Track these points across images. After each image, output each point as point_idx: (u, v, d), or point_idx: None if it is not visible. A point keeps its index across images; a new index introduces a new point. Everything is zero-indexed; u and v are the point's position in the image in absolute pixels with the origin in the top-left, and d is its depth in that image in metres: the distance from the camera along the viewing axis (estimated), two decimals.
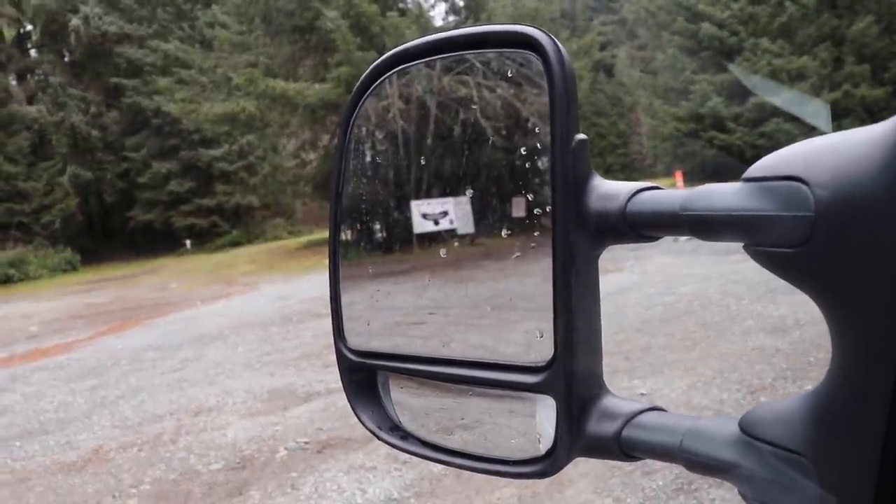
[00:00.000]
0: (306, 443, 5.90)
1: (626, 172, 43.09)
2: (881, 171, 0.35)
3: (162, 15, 37.87)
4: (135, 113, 37.36)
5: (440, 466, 5.07)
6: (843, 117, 23.76)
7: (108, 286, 25.11)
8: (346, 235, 0.73)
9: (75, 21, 36.43)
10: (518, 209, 0.60)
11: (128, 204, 38.81)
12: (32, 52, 40.08)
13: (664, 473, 4.46)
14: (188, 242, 36.43)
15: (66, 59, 39.39)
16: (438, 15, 28.73)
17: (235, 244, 35.43)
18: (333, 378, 7.62)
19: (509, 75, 0.59)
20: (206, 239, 36.96)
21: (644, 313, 8.69)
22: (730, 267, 11.18)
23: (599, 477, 4.59)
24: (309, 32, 25.29)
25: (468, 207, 0.64)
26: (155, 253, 35.37)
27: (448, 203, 0.68)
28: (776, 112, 26.55)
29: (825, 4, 27.57)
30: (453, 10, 28.38)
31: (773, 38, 28.36)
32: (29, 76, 39.09)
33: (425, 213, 0.72)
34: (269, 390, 7.62)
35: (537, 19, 24.84)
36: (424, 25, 23.26)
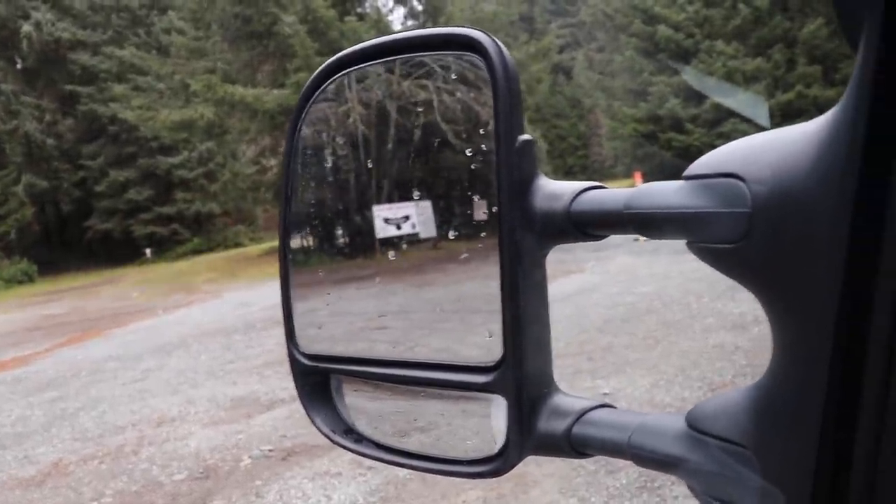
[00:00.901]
0: (270, 450, 5.86)
1: (587, 174, 43.47)
2: (814, 167, 0.36)
3: (116, 21, 37.39)
4: (91, 120, 36.81)
5: (405, 470, 5.08)
6: (796, 117, 24.19)
7: (66, 297, 24.70)
8: (302, 241, 0.73)
9: (27, 27, 35.76)
10: (479, 211, 0.59)
11: (85, 213, 38.20)
12: None
13: (628, 472, 4.51)
14: (148, 251, 35.98)
15: (19, 66, 38.62)
16: (397, 19, 28.67)
17: (197, 252, 35.05)
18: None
19: (470, 78, 0.58)
20: (166, 247, 36.54)
21: (606, 313, 8.77)
22: (690, 265, 11.33)
23: (564, 477, 4.63)
24: (267, 38, 25.10)
25: (430, 211, 0.65)
26: (115, 262, 34.88)
27: (410, 207, 0.67)
28: (733, 113, 26.92)
29: (777, 7, 28.10)
30: (412, 14, 28.39)
31: (728, 40, 28.79)
32: None
33: (387, 218, 0.71)
34: (232, 399, 7.55)
35: (496, 23, 24.98)
36: (383, 30, 23.22)
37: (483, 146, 0.58)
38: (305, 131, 0.68)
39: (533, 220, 0.50)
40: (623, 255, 13.94)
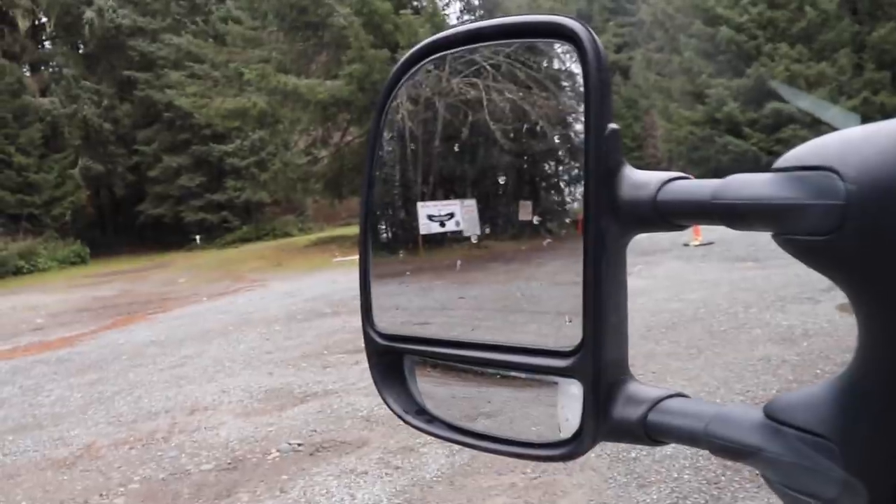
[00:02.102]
0: (299, 445, 5.78)
1: None
2: None
3: (175, 9, 37.89)
4: (147, 106, 37.37)
5: (432, 473, 4.94)
6: (861, 124, 23.47)
7: (116, 280, 25.11)
8: (379, 223, 0.74)
9: (89, 13, 36.49)
10: (525, 213, 0.62)
11: (138, 197, 38.84)
12: (46, 44, 40.22)
13: (659, 486, 4.32)
14: (198, 238, 36.46)
15: (80, 51, 39.44)
16: (453, 14, 28.53)
17: (245, 240, 35.39)
18: (331, 379, 7.53)
19: (519, 77, 0.60)
20: (215, 234, 36.97)
21: (650, 319, 8.54)
22: (739, 274, 11.03)
23: (595, 488, 4.46)
24: (322, 29, 25.18)
25: (474, 210, 0.66)
26: (165, 247, 35.43)
27: (454, 205, 0.68)
28: (793, 118, 26.31)
29: (845, 10, 27.28)
30: (468, 8, 28.22)
31: (792, 42, 28.09)
32: (42, 68, 39.20)
33: (431, 215, 0.73)
34: (266, 390, 7.51)
35: None
36: (439, 24, 23.11)
37: (534, 147, 0.61)
38: (392, 117, 0.68)
39: (618, 207, 0.51)
40: (672, 259, 13.64)
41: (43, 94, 36.65)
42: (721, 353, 6.99)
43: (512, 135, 0.63)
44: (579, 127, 0.55)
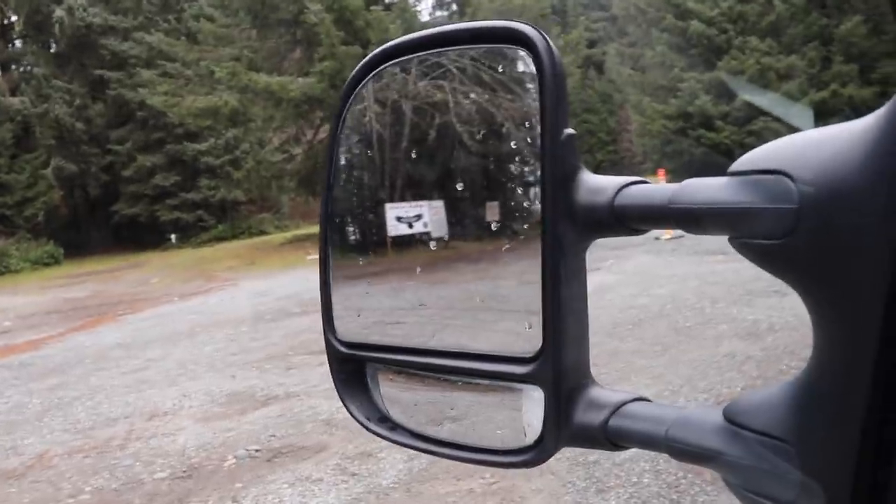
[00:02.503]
0: (257, 451, 5.67)
1: (616, 169, 42.90)
2: (863, 164, 0.36)
3: (147, 7, 37.45)
4: (119, 105, 36.91)
5: (389, 479, 4.84)
6: (830, 116, 23.60)
7: (88, 281, 24.82)
8: (337, 229, 0.73)
9: (59, 12, 35.94)
10: (492, 213, 0.62)
11: (113, 197, 38.40)
12: (17, 43, 39.65)
13: (618, 491, 4.26)
14: (173, 237, 36.12)
15: (51, 50, 38.90)
16: (425, 10, 28.40)
17: (221, 239, 35.08)
18: (294, 381, 7.42)
19: (485, 80, 0.62)
20: (191, 233, 36.64)
21: (617, 316, 8.49)
22: (708, 268, 11.01)
23: (553, 493, 4.39)
24: (294, 26, 25.00)
25: (442, 211, 0.66)
26: (140, 247, 35.03)
27: (422, 206, 0.69)
28: (764, 111, 26.44)
29: (814, 3, 27.44)
30: (440, 4, 28.10)
31: (762, 36, 28.22)
32: (13, 67, 38.65)
33: (399, 217, 0.72)
34: (228, 393, 7.39)
35: (524, 16, 24.61)
36: (410, 20, 22.98)
37: (500, 148, 0.62)
38: (349, 121, 0.68)
39: (576, 212, 0.51)
40: (642, 254, 13.62)
41: (13, 93, 36.15)
42: (686, 349, 6.95)
43: (478, 137, 0.63)
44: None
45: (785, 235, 0.39)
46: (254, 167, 26.99)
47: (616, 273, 11.55)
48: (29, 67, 38.19)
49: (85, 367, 9.67)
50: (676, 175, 23.86)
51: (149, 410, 7.13)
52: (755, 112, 26.67)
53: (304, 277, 16.88)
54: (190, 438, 6.15)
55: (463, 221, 0.65)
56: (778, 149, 0.42)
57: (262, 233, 35.97)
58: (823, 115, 22.38)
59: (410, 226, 0.72)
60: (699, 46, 30.50)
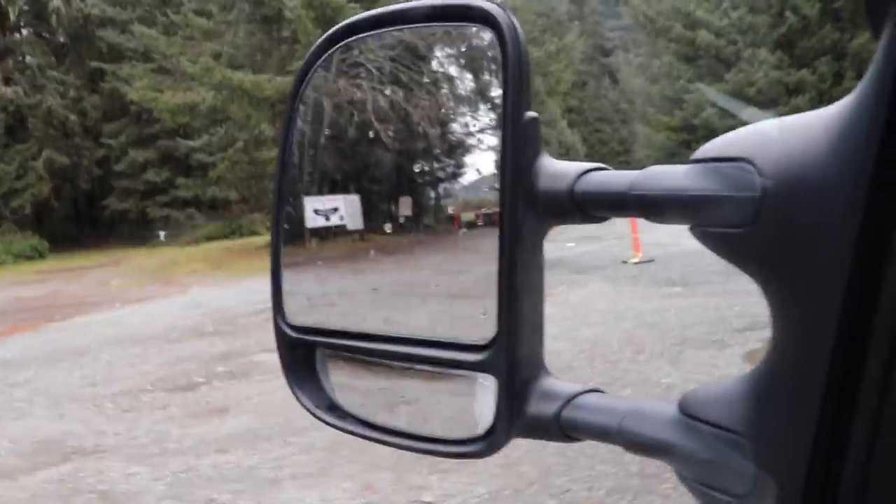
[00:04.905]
0: None
1: None
2: (828, 154, 0.36)
3: (146, 0, 36.66)
4: (114, 99, 36.17)
5: None
6: None
7: (57, 278, 24.09)
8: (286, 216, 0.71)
9: (56, 1, 35.28)
10: (405, 208, 0.63)
11: (105, 192, 37.73)
12: (17, 34, 39.04)
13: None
14: (162, 234, 35.31)
15: (48, 40, 38.24)
16: None
17: (211, 238, 34.15)
18: (116, 430, 6.42)
19: (403, 80, 0.62)
20: (182, 231, 35.85)
21: None
22: (657, 304, 9.80)
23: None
24: (277, 22, 24.01)
25: (357, 205, 0.68)
26: (130, 242, 34.25)
27: (338, 200, 0.69)
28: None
29: (828, 16, 26.03)
30: None
31: (772, 49, 26.92)
32: (8, 57, 37.98)
33: (317, 209, 0.71)
34: (38, 441, 6.31)
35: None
36: None
37: (415, 145, 0.62)
38: (307, 100, 0.66)
39: (535, 198, 0.49)
40: (599, 280, 12.41)
41: (7, 83, 35.51)
42: None
43: (392, 134, 0.62)
44: (456, 126, 0.58)
45: (745, 224, 0.38)
46: (228, 167, 26.01)
47: (556, 305, 10.33)
48: (24, 57, 37.47)
49: None
50: None
51: None
52: None
53: (251, 288, 15.91)
54: None
55: (377, 215, 0.66)
56: (742, 136, 0.41)
57: (254, 233, 34.97)
58: None
59: (327, 218, 0.74)
60: (707, 57, 29.23)
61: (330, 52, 0.63)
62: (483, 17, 0.51)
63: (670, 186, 0.42)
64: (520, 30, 0.50)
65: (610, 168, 0.49)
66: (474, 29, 0.53)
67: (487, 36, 0.51)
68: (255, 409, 6.54)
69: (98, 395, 7.68)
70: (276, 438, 5.69)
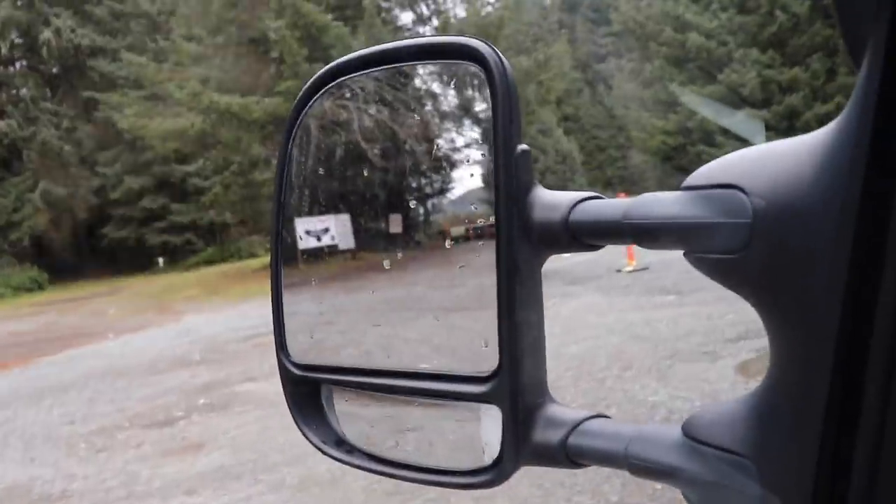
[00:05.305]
0: None
1: (625, 185, 41.26)
2: (816, 178, 0.36)
3: (136, 28, 36.66)
4: (108, 127, 36.10)
5: None
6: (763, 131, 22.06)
7: (52, 310, 23.99)
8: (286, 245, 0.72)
9: (46, 33, 35.39)
10: (395, 225, 0.63)
11: (102, 221, 37.64)
12: (11, 67, 39.07)
13: None
14: (161, 260, 35.22)
15: (41, 72, 38.25)
16: (405, 23, 27.17)
17: (210, 262, 34.03)
18: (89, 471, 6.23)
19: (388, 99, 0.62)
20: (180, 256, 35.74)
21: None
22: (648, 315, 9.57)
23: None
24: (264, 44, 23.91)
25: (348, 224, 0.67)
26: (129, 270, 34.15)
27: (329, 220, 0.70)
28: (767, 125, 24.92)
29: (818, 13, 25.82)
30: (420, 19, 26.91)
31: (764, 48, 26.71)
32: (1, 90, 38.02)
33: (308, 230, 0.72)
34: (4, 488, 6.10)
35: (504, 28, 23.31)
36: (377, 35, 21.74)
37: (403, 163, 0.63)
38: (301, 135, 0.67)
39: (530, 228, 0.50)
40: (593, 292, 12.20)
41: (0, 116, 35.54)
42: None
43: (379, 153, 0.64)
44: (441, 142, 0.58)
45: (739, 250, 0.39)
46: (220, 192, 25.89)
47: (547, 320, 10.02)
48: (18, 90, 37.47)
49: None
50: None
51: None
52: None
53: (244, 314, 15.79)
54: None
55: (368, 234, 0.66)
56: (731, 163, 0.41)
57: (252, 255, 34.82)
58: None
59: (318, 239, 0.74)
60: (698, 59, 29.05)
61: (317, 96, 0.63)
62: (471, 55, 0.52)
63: (663, 214, 0.43)
64: (507, 65, 0.51)
65: (603, 196, 0.49)
66: (462, 66, 0.54)
67: (475, 72, 0.52)
68: (229, 444, 6.33)
69: (75, 433, 7.47)
70: (247, 476, 5.48)
